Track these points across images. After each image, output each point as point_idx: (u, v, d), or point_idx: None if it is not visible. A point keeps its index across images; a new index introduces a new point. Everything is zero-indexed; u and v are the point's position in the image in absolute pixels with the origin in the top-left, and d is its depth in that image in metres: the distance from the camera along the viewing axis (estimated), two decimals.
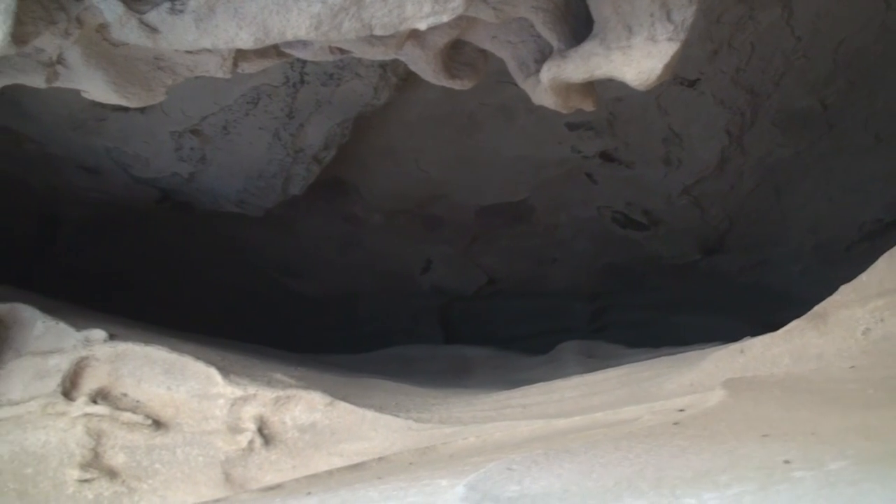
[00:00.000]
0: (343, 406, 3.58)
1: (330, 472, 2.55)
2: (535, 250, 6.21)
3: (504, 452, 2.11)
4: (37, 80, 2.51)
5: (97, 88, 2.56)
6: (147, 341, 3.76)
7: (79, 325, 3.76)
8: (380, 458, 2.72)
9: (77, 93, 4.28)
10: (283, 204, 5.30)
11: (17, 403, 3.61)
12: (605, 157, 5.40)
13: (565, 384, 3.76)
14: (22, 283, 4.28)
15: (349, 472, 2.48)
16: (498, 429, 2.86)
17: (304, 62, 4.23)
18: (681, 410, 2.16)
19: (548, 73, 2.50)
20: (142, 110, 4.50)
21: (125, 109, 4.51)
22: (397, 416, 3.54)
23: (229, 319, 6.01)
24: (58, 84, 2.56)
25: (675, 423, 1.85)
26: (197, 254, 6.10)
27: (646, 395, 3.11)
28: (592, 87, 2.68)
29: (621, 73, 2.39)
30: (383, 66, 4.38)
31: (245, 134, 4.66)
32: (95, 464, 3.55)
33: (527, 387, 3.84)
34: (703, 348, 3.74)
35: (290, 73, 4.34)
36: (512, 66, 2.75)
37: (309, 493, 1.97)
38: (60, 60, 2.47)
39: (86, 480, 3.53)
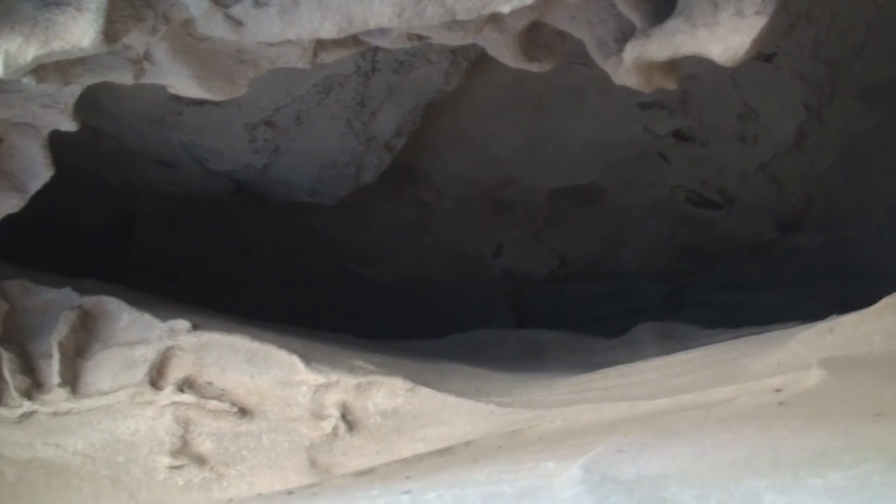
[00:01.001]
0: (424, 391, 3.60)
1: (419, 457, 2.58)
2: (606, 232, 6.15)
3: (597, 435, 2.10)
4: (125, 77, 2.57)
5: (182, 83, 2.61)
6: (229, 330, 3.83)
7: (163, 316, 3.84)
8: (467, 443, 2.74)
9: (154, 89, 4.35)
10: (355, 192, 5.34)
11: (106, 393, 3.71)
12: (679, 135, 5.33)
13: (646, 366, 3.73)
14: (103, 277, 4.37)
15: (439, 457, 2.49)
16: (584, 411, 2.85)
17: (376, 50, 4.25)
18: (777, 391, 2.12)
19: (631, 52, 2.47)
20: (216, 104, 4.56)
21: (200, 103, 4.58)
22: (478, 401, 3.54)
23: (303, 308, 6.08)
24: (144, 80, 2.61)
25: (780, 404, 1.82)
26: (270, 244, 6.17)
27: (732, 375, 3.06)
28: (675, 65, 2.64)
29: (707, 50, 2.34)
30: (454, 51, 4.38)
31: (317, 124, 4.70)
32: (184, 451, 3.63)
33: (606, 369, 3.81)
34: (786, 328, 3.67)
35: (361, 62, 4.36)
36: (591, 47, 2.72)
37: (408, 478, 1.98)
38: (147, 57, 2.52)
39: (176, 467, 3.61)
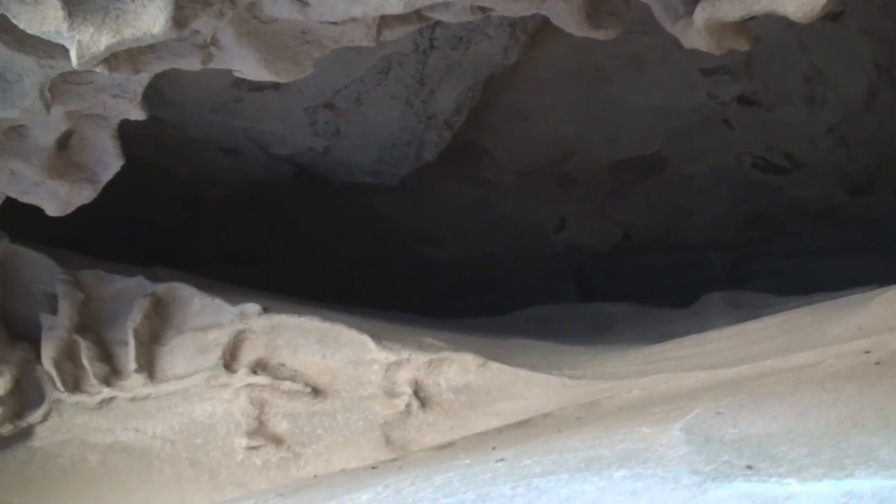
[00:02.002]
0: (495, 366, 3.61)
1: (498, 430, 2.57)
2: (671, 203, 6.06)
3: (683, 402, 2.08)
4: (193, 63, 2.59)
5: (249, 66, 2.62)
6: (299, 312, 3.87)
7: (233, 301, 3.90)
8: (545, 415, 2.73)
9: (215, 76, 4.43)
10: (416, 171, 5.35)
11: (182, 377, 3.78)
12: (743, 100, 5.22)
13: (719, 335, 3.68)
14: (169, 265, 4.43)
15: (517, 429, 2.50)
16: (662, 381, 2.83)
17: (434, 27, 4.23)
18: (867, 352, 2.07)
19: (702, 13, 2.42)
20: (276, 89, 4.60)
21: (260, 89, 4.63)
22: (550, 374, 3.54)
23: (366, 290, 6.11)
24: (212, 65, 2.63)
25: (877, 363, 1.78)
26: (332, 226, 6.20)
27: (811, 341, 3.00)
28: (746, 25, 2.58)
29: (782, 7, 2.28)
30: (512, 24, 4.34)
31: (377, 104, 4.71)
32: (261, 431, 3.69)
33: (679, 339, 3.77)
34: (861, 292, 3.58)
35: (419, 40, 4.35)
36: (658, 11, 2.67)
37: (494, 448, 1.98)
38: (214, 42, 2.54)
39: (253, 448, 3.67)
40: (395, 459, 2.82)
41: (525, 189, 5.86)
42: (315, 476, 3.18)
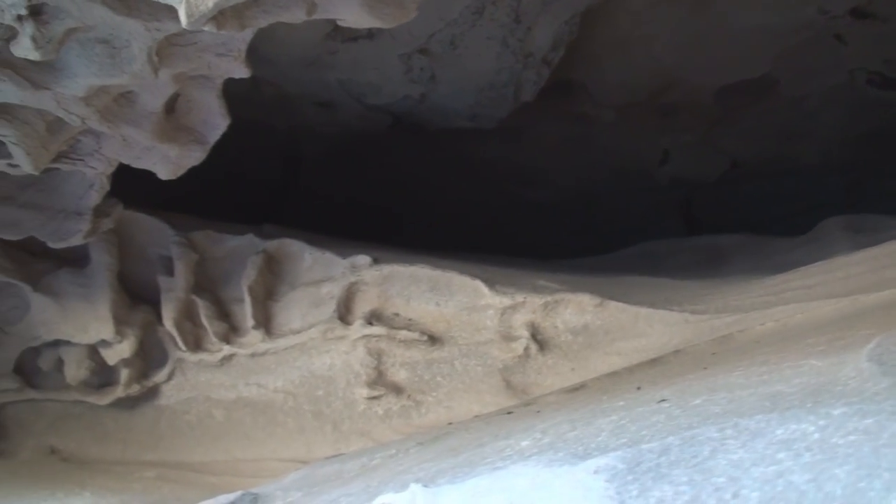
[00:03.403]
0: (613, 305, 3.54)
1: (630, 369, 2.52)
2: (780, 126, 5.83)
3: (832, 332, 1.98)
4: (297, 15, 2.55)
5: (353, 13, 2.57)
6: (409, 261, 3.85)
7: (343, 253, 3.90)
8: (676, 352, 2.66)
9: (309, 30, 4.40)
10: (513, 112, 5.25)
11: (298, 332, 3.83)
12: (857, 13, 4.95)
13: (847, 261, 3.53)
14: (273, 222, 4.46)
15: (650, 368, 2.43)
16: (795, 311, 2.71)
17: None
18: None
19: None
20: (370, 37, 4.55)
21: (354, 39, 4.58)
22: (671, 311, 3.46)
23: (468, 235, 6.08)
24: (315, 15, 2.59)
25: None
26: (430, 174, 6.18)
27: None
28: None
29: None
30: None
31: (472, 46, 4.62)
32: (381, 381, 3.72)
33: (803, 268, 3.64)
34: None
35: None
36: None
37: (639, 388, 1.92)
38: None
39: (374, 397, 3.71)
40: (528, 404, 2.78)
41: (626, 123, 5.72)
42: (449, 423, 3.17)
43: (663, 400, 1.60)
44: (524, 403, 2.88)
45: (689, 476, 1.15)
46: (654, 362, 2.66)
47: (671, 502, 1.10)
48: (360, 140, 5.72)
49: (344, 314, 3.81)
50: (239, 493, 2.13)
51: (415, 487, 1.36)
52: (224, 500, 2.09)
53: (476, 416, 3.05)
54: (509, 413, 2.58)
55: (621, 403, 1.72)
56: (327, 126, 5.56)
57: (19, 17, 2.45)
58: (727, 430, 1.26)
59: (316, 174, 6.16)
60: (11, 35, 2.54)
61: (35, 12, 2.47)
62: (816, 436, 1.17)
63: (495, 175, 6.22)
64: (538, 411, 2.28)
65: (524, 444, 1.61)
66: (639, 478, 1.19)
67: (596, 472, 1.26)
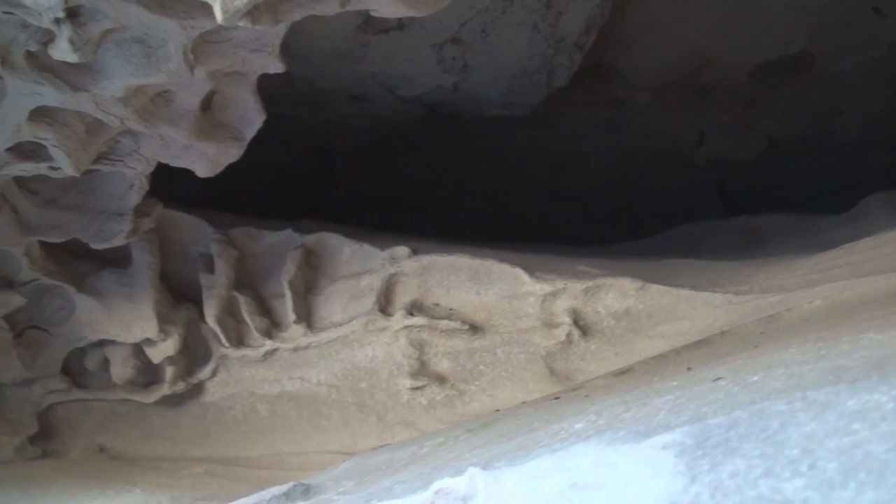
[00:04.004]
0: (655, 288, 3.52)
1: (676, 351, 2.49)
2: (818, 104, 5.74)
3: (886, 307, 1.94)
4: (330, 7, 2.55)
5: (386, 3, 2.56)
6: (448, 251, 3.85)
7: (381, 245, 3.90)
8: (723, 333, 2.63)
9: (340, 23, 4.40)
10: (546, 99, 5.22)
11: (340, 325, 3.84)
12: None
13: (894, 236, 3.46)
14: (309, 216, 4.47)
15: (697, 349, 2.40)
16: (843, 288, 2.67)
17: None
18: None
19: None
20: (401, 28, 4.54)
21: (385, 31, 4.57)
22: (714, 292, 3.43)
23: (503, 224, 6.07)
24: (349, 7, 2.58)
25: None
26: (464, 164, 6.17)
27: None
28: None
29: None
30: None
31: (504, 33, 4.59)
32: (423, 371, 3.72)
33: (848, 245, 3.59)
34: None
35: None
36: None
37: (689, 369, 1.90)
38: None
39: (417, 388, 3.71)
40: (575, 389, 2.77)
41: (660, 105, 5.66)
42: (497, 410, 3.16)
43: (719, 378, 1.57)
44: (571, 389, 2.87)
45: (761, 449, 1.13)
46: (700, 344, 2.63)
47: (745, 476, 1.09)
48: (394, 132, 5.72)
49: (384, 306, 3.81)
50: (290, 483, 2.14)
51: (473, 471, 1.35)
52: (276, 492, 2.10)
53: (523, 403, 3.04)
54: (556, 398, 2.56)
55: (674, 384, 1.70)
56: (360, 119, 5.57)
57: (56, 20, 2.47)
58: (795, 402, 1.23)
59: (349, 168, 6.18)
60: (49, 38, 2.57)
61: (72, 14, 2.49)
62: (891, 406, 1.15)
63: (529, 163, 6.19)
64: (587, 395, 2.26)
65: (578, 426, 1.60)
66: (708, 452, 1.17)
67: (664, 447, 1.25)
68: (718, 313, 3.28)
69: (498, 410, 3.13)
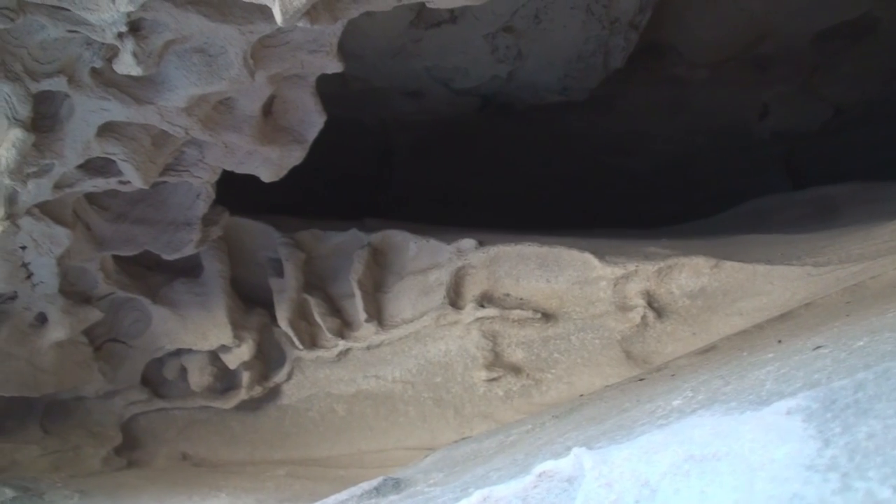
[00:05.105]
0: (729, 265, 3.44)
1: (759, 326, 2.42)
2: (885, 68, 5.57)
3: None
4: (386, 2, 2.54)
5: None
6: (514, 241, 3.81)
7: (446, 239, 3.89)
8: (806, 305, 2.55)
9: (392, 20, 4.40)
10: (604, 81, 5.15)
11: (411, 321, 3.83)
12: None
13: None
14: (370, 215, 4.47)
15: (781, 323, 2.34)
16: None
17: None
18: None
19: None
20: (454, 21, 4.52)
21: (438, 24, 4.56)
22: (791, 265, 3.34)
23: (566, 211, 6.01)
24: (405, 1, 2.57)
25: None
26: (523, 153, 6.12)
27: None
28: None
29: None
30: None
31: (557, 18, 4.54)
32: (498, 362, 3.69)
33: None
34: None
35: None
36: None
37: (780, 342, 1.85)
38: None
39: (493, 379, 3.69)
40: (658, 370, 2.72)
41: (720, 81, 5.55)
42: (581, 395, 3.13)
43: (819, 346, 1.52)
44: (653, 370, 2.81)
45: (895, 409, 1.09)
46: (783, 317, 2.56)
47: (882, 436, 1.05)
48: (450, 126, 5.70)
49: (454, 299, 3.80)
50: (380, 478, 2.13)
51: (578, 451, 1.32)
52: (367, 487, 2.10)
53: (607, 387, 3.00)
54: (641, 380, 2.52)
55: (770, 356, 1.65)
56: (417, 115, 5.56)
57: (120, 35, 2.50)
58: None
59: (408, 164, 6.17)
60: (113, 54, 2.61)
61: (134, 28, 2.52)
62: None
63: (589, 147, 6.12)
64: (673, 375, 2.22)
65: (676, 402, 1.56)
66: (838, 415, 1.13)
67: (788, 413, 1.21)
68: (797, 286, 3.20)
69: (582, 395, 3.09)
